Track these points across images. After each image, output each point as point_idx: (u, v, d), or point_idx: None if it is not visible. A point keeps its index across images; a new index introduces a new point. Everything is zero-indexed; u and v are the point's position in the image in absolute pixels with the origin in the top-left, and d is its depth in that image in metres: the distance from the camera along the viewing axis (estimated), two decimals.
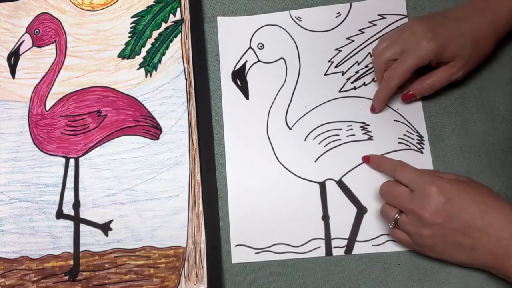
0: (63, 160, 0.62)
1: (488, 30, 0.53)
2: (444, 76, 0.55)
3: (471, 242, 0.47)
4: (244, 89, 0.63)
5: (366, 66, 0.62)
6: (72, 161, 0.62)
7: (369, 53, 0.62)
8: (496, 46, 0.56)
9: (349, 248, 0.55)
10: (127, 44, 0.66)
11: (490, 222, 0.46)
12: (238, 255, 0.57)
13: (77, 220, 0.60)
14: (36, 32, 0.68)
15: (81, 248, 0.59)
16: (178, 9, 0.67)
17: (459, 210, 0.47)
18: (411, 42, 0.53)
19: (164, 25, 0.66)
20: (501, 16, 0.53)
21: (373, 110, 0.59)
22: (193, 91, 0.63)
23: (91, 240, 0.59)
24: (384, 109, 0.60)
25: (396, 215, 0.51)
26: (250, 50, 0.64)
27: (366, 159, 0.58)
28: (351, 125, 0.59)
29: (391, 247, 0.55)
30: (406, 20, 0.62)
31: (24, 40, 0.68)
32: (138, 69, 0.65)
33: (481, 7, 0.54)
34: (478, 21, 0.53)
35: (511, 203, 0.47)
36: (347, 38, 0.63)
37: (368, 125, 0.59)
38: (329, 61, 0.63)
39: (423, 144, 0.58)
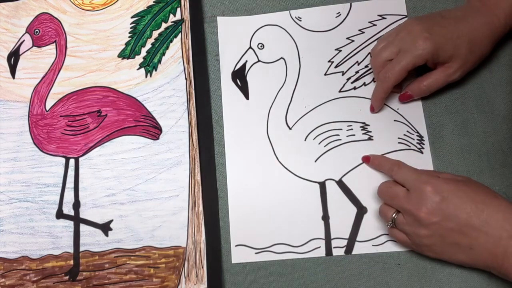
0: (63, 160, 0.62)
1: (484, 32, 0.53)
2: (440, 77, 0.55)
3: (469, 241, 0.47)
4: (244, 89, 0.63)
5: (366, 66, 0.62)
6: (72, 161, 0.62)
7: (369, 53, 0.62)
8: (494, 47, 0.56)
9: (349, 248, 0.55)
10: (127, 44, 0.66)
11: (488, 221, 0.46)
12: (238, 255, 0.57)
13: (77, 220, 0.60)
14: (36, 32, 0.68)
15: (81, 248, 0.59)
16: (178, 9, 0.67)
17: (455, 209, 0.47)
18: (407, 41, 0.54)
19: (164, 25, 0.66)
20: (499, 17, 0.53)
21: (373, 110, 0.59)
22: (193, 91, 0.63)
23: (91, 240, 0.59)
24: (384, 109, 0.60)
25: (394, 215, 0.51)
26: (250, 50, 0.64)
27: (366, 159, 0.58)
28: (351, 125, 0.59)
29: (391, 247, 0.55)
30: None
31: (24, 40, 0.68)
32: (138, 69, 0.65)
33: (478, 8, 0.54)
34: (474, 22, 0.53)
35: (510, 202, 0.47)
36: (347, 38, 0.63)
37: (368, 125, 0.59)
38: (329, 61, 0.63)
39: (423, 144, 0.58)
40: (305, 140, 0.60)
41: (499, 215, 0.46)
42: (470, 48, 0.53)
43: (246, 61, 0.64)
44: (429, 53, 0.52)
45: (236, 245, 0.57)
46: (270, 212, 0.58)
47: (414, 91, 0.57)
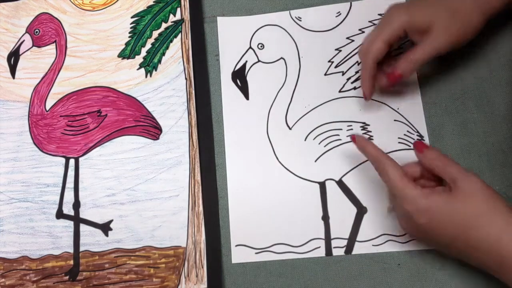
0: (63, 160, 0.62)
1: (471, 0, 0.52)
2: (428, 47, 0.52)
3: (468, 242, 0.47)
4: (244, 89, 0.63)
5: None
6: (72, 161, 0.62)
7: None
8: (487, 19, 0.53)
9: (349, 248, 0.55)
10: (127, 44, 0.66)
11: (487, 221, 0.46)
12: (238, 255, 0.57)
13: (77, 220, 0.60)
14: (36, 32, 0.68)
15: (81, 248, 0.59)
16: (178, 9, 0.67)
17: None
18: (384, 19, 0.54)
19: (164, 25, 0.66)
20: None
21: (365, 97, 0.57)
22: (193, 91, 0.63)
23: (91, 240, 0.59)
24: (384, 109, 0.60)
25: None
26: (250, 50, 0.64)
27: (353, 138, 0.54)
28: (351, 125, 0.59)
29: (391, 247, 0.55)
30: None
31: (24, 40, 0.68)
32: (138, 69, 0.65)
33: None
34: None
35: (509, 202, 0.47)
36: (347, 38, 0.63)
37: (368, 125, 0.59)
38: (329, 61, 0.63)
39: None
40: (305, 140, 0.60)
41: (498, 216, 0.45)
42: (451, 13, 0.51)
43: (246, 61, 0.64)
44: (404, 20, 0.52)
45: (236, 245, 0.57)
46: (270, 212, 0.58)
47: (402, 67, 0.54)
